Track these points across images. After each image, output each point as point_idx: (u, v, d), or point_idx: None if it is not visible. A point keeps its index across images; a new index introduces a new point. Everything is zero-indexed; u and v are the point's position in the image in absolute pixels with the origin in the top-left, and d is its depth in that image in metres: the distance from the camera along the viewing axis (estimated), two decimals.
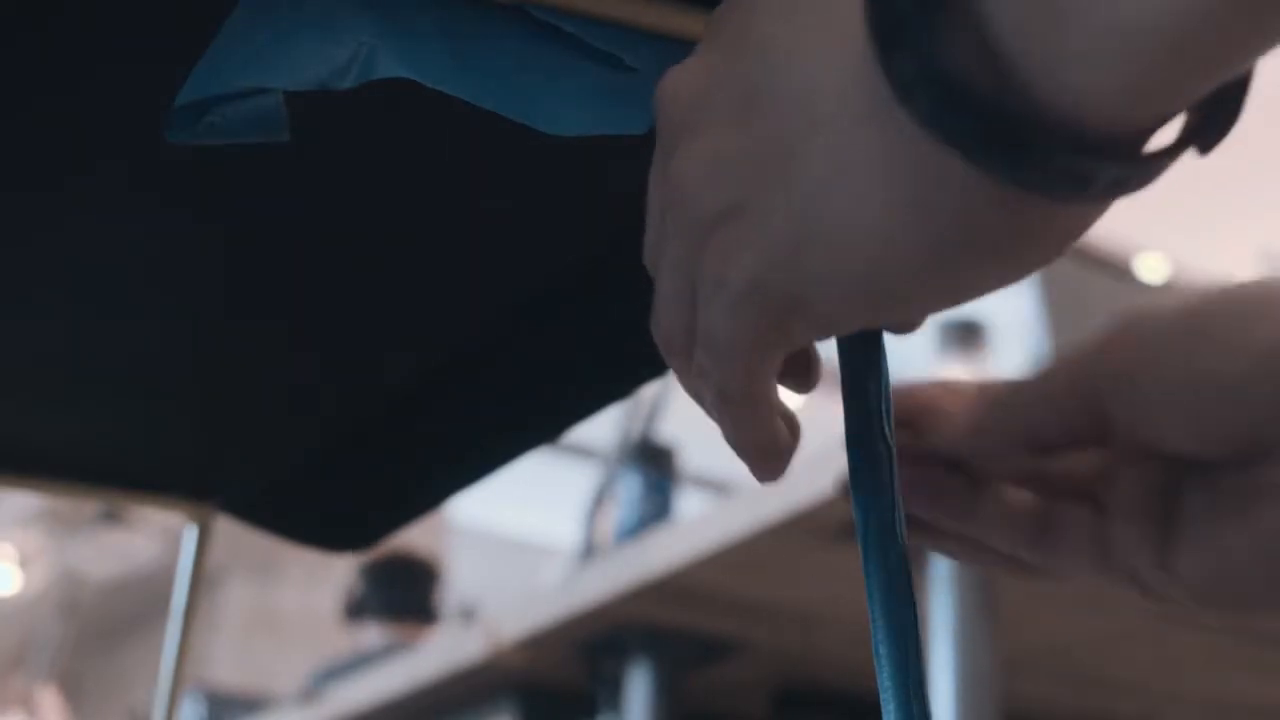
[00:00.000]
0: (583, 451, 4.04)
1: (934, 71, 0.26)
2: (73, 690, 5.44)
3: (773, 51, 0.30)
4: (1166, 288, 1.88)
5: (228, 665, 4.82)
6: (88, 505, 4.05)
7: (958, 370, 1.80)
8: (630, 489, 1.94)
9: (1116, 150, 0.27)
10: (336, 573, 4.39)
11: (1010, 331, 2.78)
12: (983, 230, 0.28)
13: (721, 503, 1.49)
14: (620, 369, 0.65)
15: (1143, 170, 0.28)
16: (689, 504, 2.23)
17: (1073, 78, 0.25)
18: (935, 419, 0.39)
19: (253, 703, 2.99)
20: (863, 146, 0.28)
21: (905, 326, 0.36)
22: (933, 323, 1.75)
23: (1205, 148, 0.29)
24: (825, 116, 0.29)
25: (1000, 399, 0.38)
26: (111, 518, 4.31)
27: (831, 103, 0.29)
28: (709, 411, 0.36)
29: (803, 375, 0.38)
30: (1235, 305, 0.34)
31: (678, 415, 2.40)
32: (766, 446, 0.35)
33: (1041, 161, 0.26)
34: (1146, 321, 0.35)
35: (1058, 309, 1.59)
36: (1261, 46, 0.25)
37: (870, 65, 0.28)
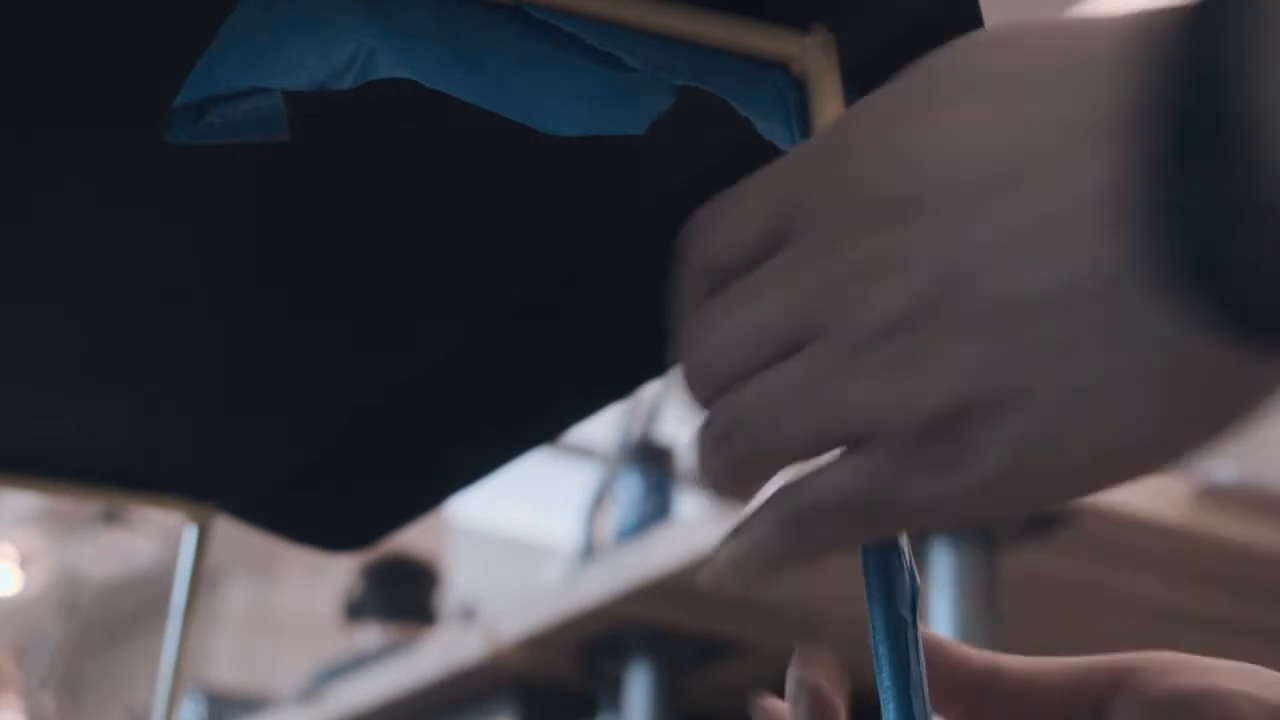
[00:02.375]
0: (583, 451, 4.03)
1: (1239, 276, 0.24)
2: (73, 690, 5.43)
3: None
4: None
5: (228, 665, 4.83)
6: (88, 505, 4.05)
7: None
8: (630, 489, 1.94)
9: None
10: (336, 573, 4.39)
11: None
12: (1227, 415, 0.27)
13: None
14: (620, 369, 0.65)
15: None
16: (689, 504, 2.23)
17: None
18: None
19: (253, 703, 2.99)
20: (1138, 348, 0.26)
21: None
22: None
23: None
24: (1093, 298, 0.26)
25: (1023, 681, 0.39)
26: (111, 518, 4.31)
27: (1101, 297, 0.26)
28: (717, 471, 0.32)
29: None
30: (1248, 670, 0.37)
31: (678, 415, 2.40)
32: (747, 556, 0.33)
33: None
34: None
35: None
36: None
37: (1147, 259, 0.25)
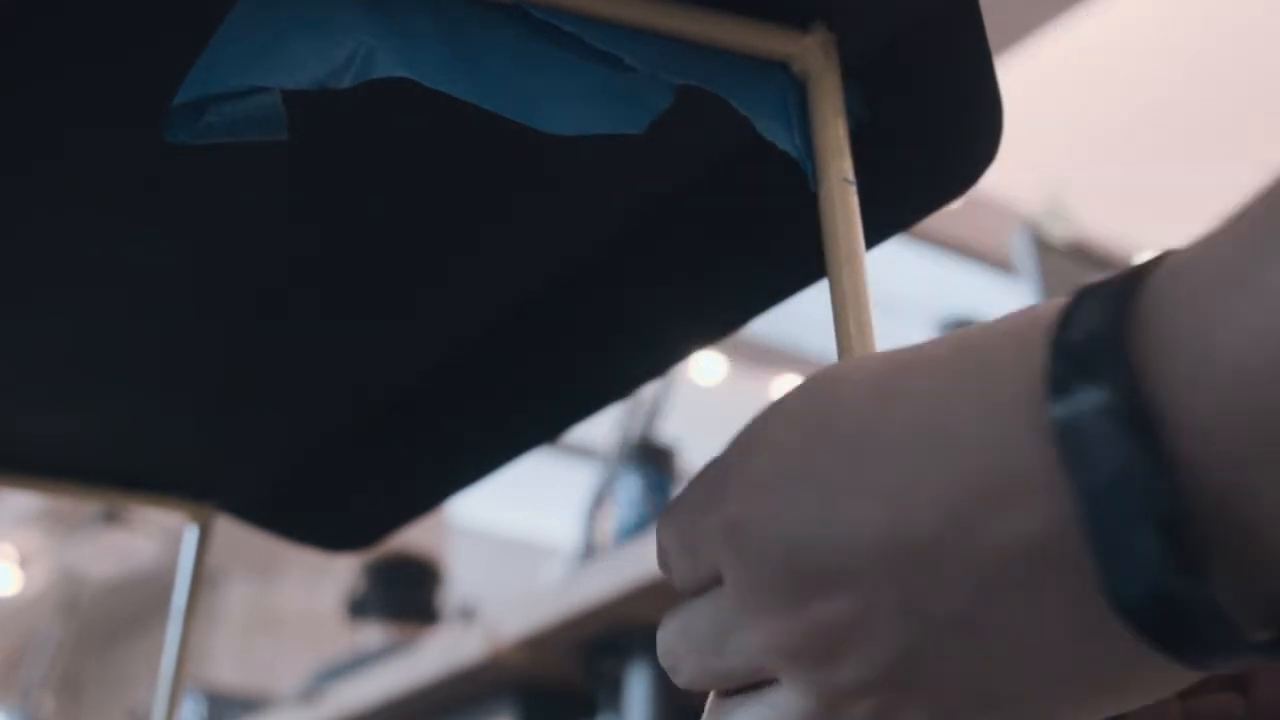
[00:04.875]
0: (583, 451, 4.04)
1: (1169, 596, 0.25)
2: (73, 690, 5.43)
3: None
4: None
5: (228, 665, 4.83)
6: (88, 505, 4.05)
7: None
8: (630, 489, 1.94)
9: None
10: (336, 573, 4.39)
11: None
12: (1135, 691, 0.28)
13: None
14: (620, 369, 0.65)
15: None
16: None
17: None
18: None
19: (253, 703, 2.99)
20: (1056, 630, 0.27)
21: None
22: (932, 323, 1.75)
23: None
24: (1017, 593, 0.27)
25: None
26: (111, 518, 4.31)
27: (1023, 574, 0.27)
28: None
29: None
30: None
31: (678, 415, 2.40)
32: None
33: (1229, 651, 0.26)
34: None
35: None
36: None
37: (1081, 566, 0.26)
